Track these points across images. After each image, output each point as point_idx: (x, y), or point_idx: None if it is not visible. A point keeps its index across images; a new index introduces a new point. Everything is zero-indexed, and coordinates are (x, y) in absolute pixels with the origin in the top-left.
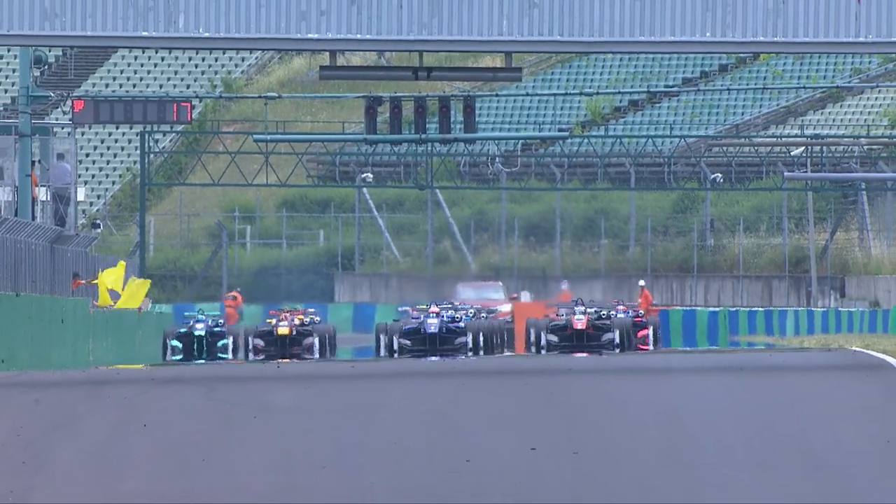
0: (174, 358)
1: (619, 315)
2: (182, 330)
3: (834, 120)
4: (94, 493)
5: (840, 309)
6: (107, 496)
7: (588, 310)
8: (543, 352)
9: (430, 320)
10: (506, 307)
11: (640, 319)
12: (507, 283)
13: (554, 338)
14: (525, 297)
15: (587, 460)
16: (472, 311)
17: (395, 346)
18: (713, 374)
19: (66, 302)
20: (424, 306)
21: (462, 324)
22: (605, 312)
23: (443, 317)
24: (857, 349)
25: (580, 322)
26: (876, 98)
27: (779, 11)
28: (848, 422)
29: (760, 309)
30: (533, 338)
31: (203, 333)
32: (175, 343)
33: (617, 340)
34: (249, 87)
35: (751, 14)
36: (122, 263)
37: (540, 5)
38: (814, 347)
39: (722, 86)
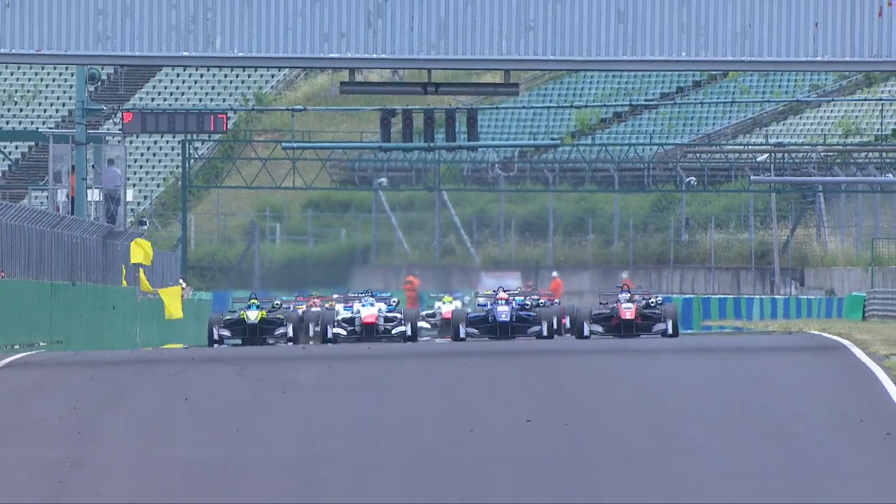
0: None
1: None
2: (228, 317)
3: (794, 130)
4: (142, 460)
5: (800, 297)
6: (154, 462)
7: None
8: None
9: (500, 308)
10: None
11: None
12: (506, 273)
13: (598, 328)
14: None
15: (576, 430)
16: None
17: (462, 334)
18: (689, 354)
19: (117, 290)
20: (490, 292)
21: (534, 311)
22: (654, 300)
23: (513, 304)
24: (815, 332)
25: (628, 311)
26: (831, 111)
27: (746, 34)
28: (807, 396)
29: (730, 296)
30: (574, 326)
31: (256, 322)
32: (224, 332)
33: (670, 330)
34: (278, 100)
35: (721, 36)
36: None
37: (535, 28)
38: (777, 331)
39: (695, 99)
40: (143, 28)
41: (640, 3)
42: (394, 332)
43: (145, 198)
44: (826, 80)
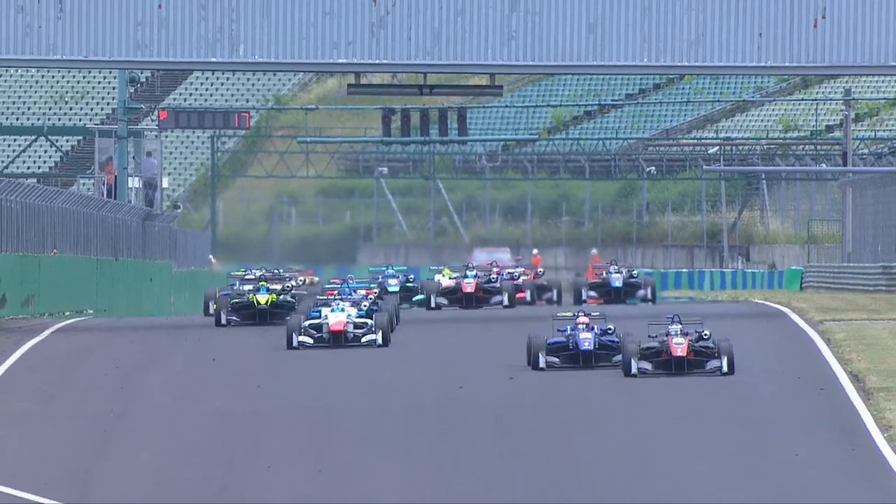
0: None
1: (505, 277)
2: (236, 300)
3: (741, 125)
4: (176, 412)
5: (745, 270)
6: (186, 414)
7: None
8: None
9: (582, 335)
10: (515, 269)
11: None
12: (497, 248)
13: (647, 365)
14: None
15: (552, 386)
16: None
17: (542, 364)
18: (650, 319)
19: (154, 265)
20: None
21: (616, 336)
22: (706, 333)
23: (595, 329)
24: (759, 301)
25: (679, 347)
26: (773, 109)
27: (699, 43)
28: (752, 355)
29: (684, 270)
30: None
31: (266, 307)
32: (233, 317)
33: (725, 368)
34: (294, 100)
35: (678, 44)
36: None
37: (516, 38)
38: (726, 300)
39: (655, 99)
40: (177, 37)
41: (607, 16)
42: (363, 339)
43: (179, 185)
44: (768, 82)
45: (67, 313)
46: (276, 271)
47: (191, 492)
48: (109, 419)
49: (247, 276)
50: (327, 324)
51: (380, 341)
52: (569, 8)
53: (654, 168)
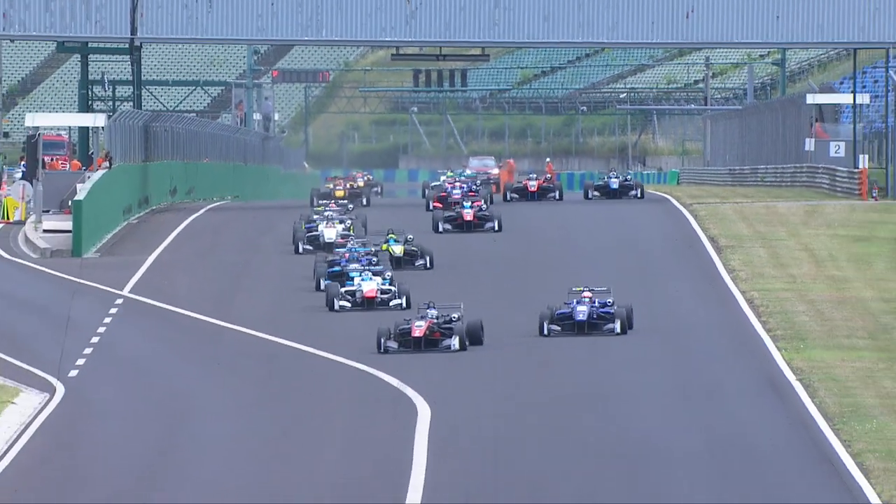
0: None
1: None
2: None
3: (641, 80)
4: (284, 263)
5: (643, 172)
6: (291, 265)
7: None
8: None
9: (579, 307)
10: (495, 171)
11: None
12: (485, 157)
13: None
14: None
15: (527, 249)
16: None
17: (546, 331)
18: (584, 203)
19: (269, 168)
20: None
21: (612, 309)
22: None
23: (595, 303)
24: (651, 191)
25: (419, 329)
26: (661, 70)
27: (615, 27)
28: (647, 226)
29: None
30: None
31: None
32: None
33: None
34: (357, 64)
35: (601, 28)
36: None
37: (498, 24)
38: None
39: (587, 64)
40: (283, 24)
41: (557, 10)
42: (391, 303)
43: (285, 118)
44: (658, 52)
45: (215, 199)
46: (341, 178)
47: (295, 310)
48: (240, 267)
49: (326, 213)
50: (361, 291)
51: (404, 305)
52: (532, 5)
53: (585, 107)
